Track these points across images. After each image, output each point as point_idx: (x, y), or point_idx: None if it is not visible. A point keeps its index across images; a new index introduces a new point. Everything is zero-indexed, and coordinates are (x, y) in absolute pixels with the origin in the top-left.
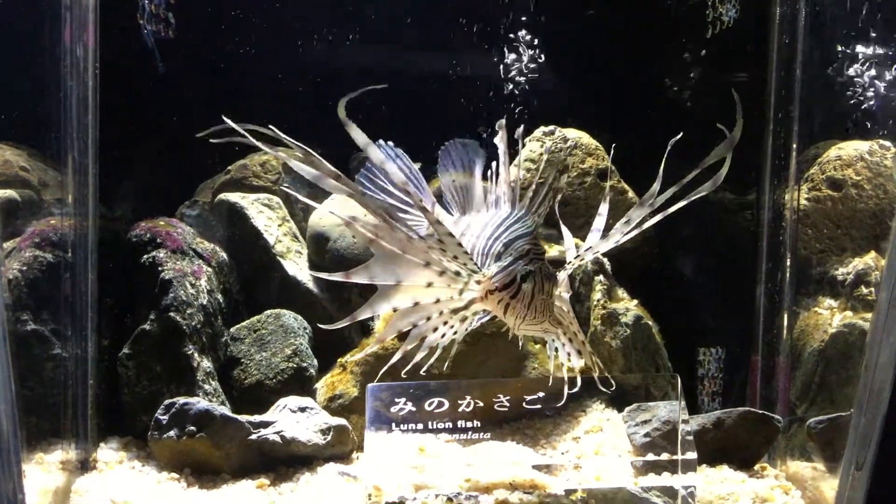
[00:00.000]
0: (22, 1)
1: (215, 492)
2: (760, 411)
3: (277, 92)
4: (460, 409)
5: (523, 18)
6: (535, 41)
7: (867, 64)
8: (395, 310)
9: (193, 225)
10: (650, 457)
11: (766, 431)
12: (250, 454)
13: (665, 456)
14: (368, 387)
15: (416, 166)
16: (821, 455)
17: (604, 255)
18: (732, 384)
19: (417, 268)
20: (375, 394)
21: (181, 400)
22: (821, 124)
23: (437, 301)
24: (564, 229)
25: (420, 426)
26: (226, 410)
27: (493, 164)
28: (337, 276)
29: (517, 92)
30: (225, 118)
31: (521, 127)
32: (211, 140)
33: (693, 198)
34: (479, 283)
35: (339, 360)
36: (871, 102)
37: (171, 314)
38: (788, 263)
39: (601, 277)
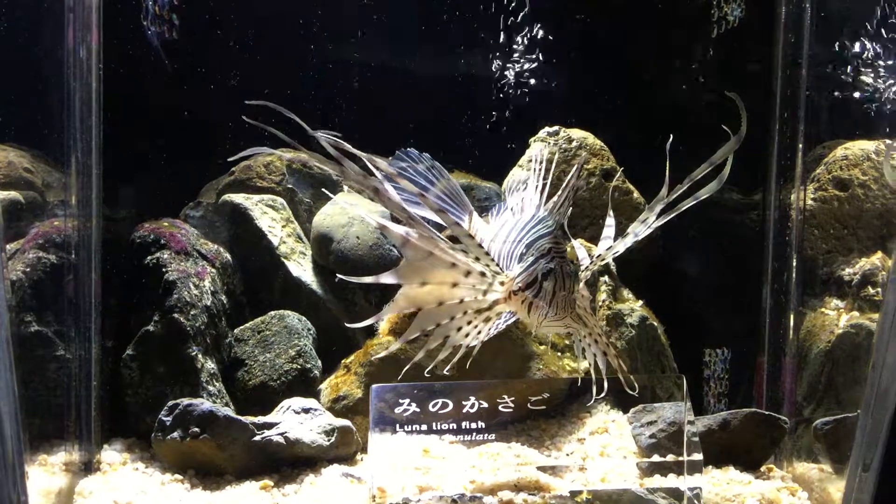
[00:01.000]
0: (25, 2)
1: (219, 493)
2: (767, 412)
3: (283, 91)
4: (465, 411)
5: (528, 18)
6: (540, 41)
7: (873, 63)
8: (420, 310)
9: (197, 226)
10: (656, 458)
11: (772, 432)
12: (254, 455)
13: (671, 457)
14: (372, 388)
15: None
16: (827, 456)
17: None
18: (738, 385)
19: (443, 269)
20: (379, 395)
21: (185, 401)
22: (827, 124)
23: (462, 302)
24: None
25: (424, 427)
26: (230, 412)
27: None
28: (367, 279)
29: (522, 92)
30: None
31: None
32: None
33: (700, 198)
34: (502, 284)
35: (342, 361)
36: (878, 102)
37: (175, 315)
38: (795, 264)
39: (606, 278)
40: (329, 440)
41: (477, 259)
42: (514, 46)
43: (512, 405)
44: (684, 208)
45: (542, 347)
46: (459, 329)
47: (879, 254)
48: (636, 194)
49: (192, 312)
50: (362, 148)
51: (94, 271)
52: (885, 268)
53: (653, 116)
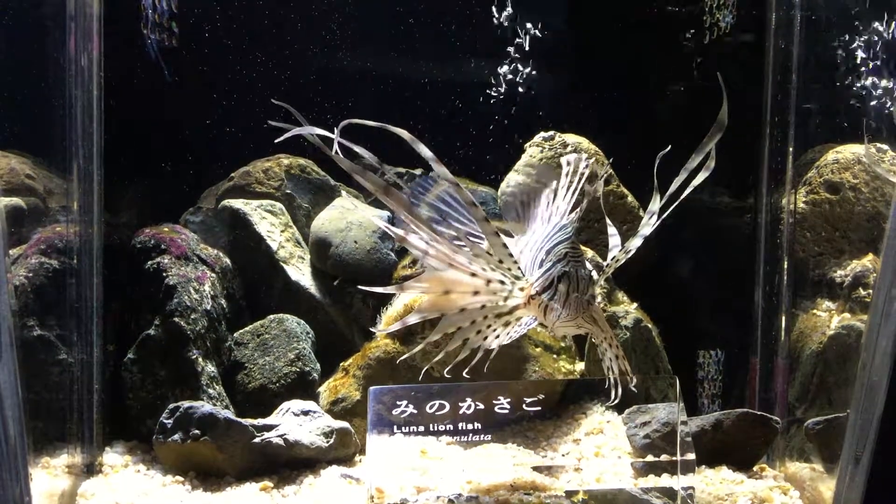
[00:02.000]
0: (27, 11)
1: (219, 494)
2: (759, 413)
3: (282, 97)
4: (461, 412)
5: (522, 23)
6: (533, 47)
7: (863, 67)
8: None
9: (197, 231)
10: (650, 458)
11: (764, 432)
12: (254, 457)
13: (664, 457)
14: (371, 390)
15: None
16: (819, 456)
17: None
18: (731, 386)
19: (465, 278)
20: (377, 397)
21: (185, 404)
22: (817, 128)
23: (483, 307)
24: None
25: (422, 429)
26: (230, 414)
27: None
28: (391, 289)
29: (517, 97)
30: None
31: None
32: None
33: (692, 187)
34: (522, 289)
35: (341, 364)
36: (868, 105)
37: (176, 319)
38: (786, 266)
39: (601, 281)
40: (328, 442)
41: (500, 262)
42: (508, 51)
43: (508, 406)
44: (679, 201)
45: (538, 350)
46: (479, 332)
47: (870, 256)
48: (630, 198)
49: (192, 316)
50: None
51: (96, 276)
52: (875, 270)
53: (645, 121)
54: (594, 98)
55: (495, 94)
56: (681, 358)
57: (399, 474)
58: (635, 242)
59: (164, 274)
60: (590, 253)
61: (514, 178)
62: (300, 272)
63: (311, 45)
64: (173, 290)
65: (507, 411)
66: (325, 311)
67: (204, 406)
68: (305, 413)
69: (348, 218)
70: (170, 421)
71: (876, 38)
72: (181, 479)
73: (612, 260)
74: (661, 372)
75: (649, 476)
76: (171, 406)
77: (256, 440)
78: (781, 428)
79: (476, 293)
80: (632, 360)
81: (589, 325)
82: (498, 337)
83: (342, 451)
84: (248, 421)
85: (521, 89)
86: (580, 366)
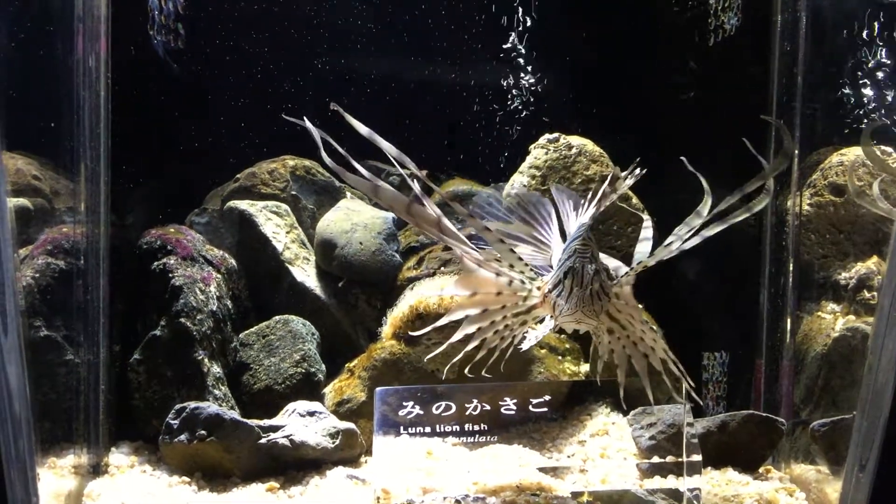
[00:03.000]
0: (35, 11)
1: (226, 495)
2: (764, 414)
3: (288, 100)
4: (467, 413)
5: (528, 27)
6: (539, 49)
7: (868, 70)
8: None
9: (203, 232)
10: (655, 459)
11: (770, 434)
12: (260, 458)
13: (670, 458)
14: (377, 391)
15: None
16: (824, 457)
17: None
18: (737, 388)
19: (492, 277)
20: (383, 398)
21: (192, 404)
22: (822, 130)
23: (503, 307)
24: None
25: (428, 429)
26: (236, 415)
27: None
28: (447, 292)
29: (522, 100)
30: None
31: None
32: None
33: (752, 211)
34: (538, 289)
35: (346, 365)
36: (873, 108)
37: (182, 320)
38: (791, 268)
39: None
40: (334, 443)
41: (511, 266)
42: (515, 54)
43: (514, 407)
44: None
45: (543, 351)
46: (496, 332)
47: (875, 258)
48: (635, 199)
49: (198, 317)
50: (365, 154)
51: (103, 277)
52: (880, 272)
53: (650, 123)
54: (599, 100)
55: (500, 96)
56: (686, 360)
57: (405, 475)
58: (667, 253)
59: (170, 275)
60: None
61: (518, 180)
62: (305, 273)
63: (317, 46)
64: (179, 290)
65: (513, 412)
66: (330, 313)
67: (210, 406)
68: (311, 414)
69: (353, 219)
70: (176, 421)
71: (881, 42)
72: (187, 479)
73: (638, 265)
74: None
75: (655, 477)
76: (178, 406)
77: (262, 441)
78: (787, 429)
79: (499, 293)
80: None
81: (591, 320)
82: (514, 336)
83: (348, 451)
84: (254, 422)
85: (526, 91)
86: (585, 367)
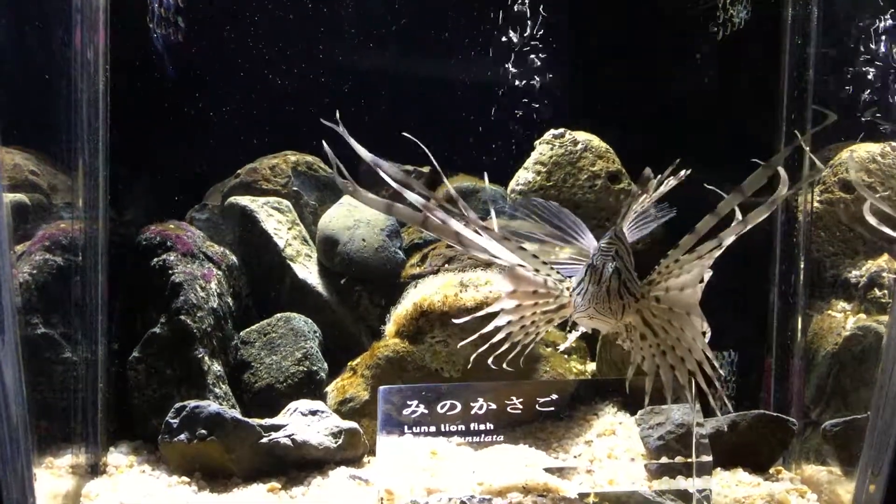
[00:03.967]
0: (32, 3)
1: (226, 495)
2: (775, 414)
3: (289, 95)
4: (473, 412)
5: (533, 21)
6: (545, 44)
7: (880, 65)
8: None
9: (203, 228)
10: (664, 460)
11: (780, 434)
12: (261, 458)
13: (679, 459)
14: (380, 390)
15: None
16: (836, 458)
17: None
18: (746, 387)
19: (532, 275)
20: (387, 397)
21: (192, 403)
22: (833, 126)
23: (536, 304)
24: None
25: (432, 429)
26: (237, 414)
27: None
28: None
29: (529, 95)
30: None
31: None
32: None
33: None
34: (567, 289)
35: (349, 363)
36: (885, 103)
37: (182, 317)
38: (802, 266)
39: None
40: (336, 442)
41: (537, 270)
42: (521, 49)
43: (520, 407)
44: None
45: (549, 350)
46: (522, 327)
47: (885, 256)
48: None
49: (198, 314)
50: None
51: (101, 273)
52: (891, 270)
53: (658, 118)
54: (605, 95)
55: (505, 92)
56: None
57: (409, 475)
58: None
59: (170, 271)
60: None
61: (523, 176)
62: (307, 270)
63: (318, 41)
64: (179, 287)
65: (519, 411)
66: (332, 310)
67: (211, 405)
68: (313, 413)
69: (356, 216)
70: (176, 420)
71: (892, 34)
72: (187, 479)
73: (662, 266)
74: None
75: (663, 478)
76: (178, 405)
77: (264, 440)
78: (797, 430)
79: (535, 291)
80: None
81: (605, 318)
82: (538, 333)
83: (351, 451)
84: (255, 421)
85: (532, 85)
86: (591, 366)
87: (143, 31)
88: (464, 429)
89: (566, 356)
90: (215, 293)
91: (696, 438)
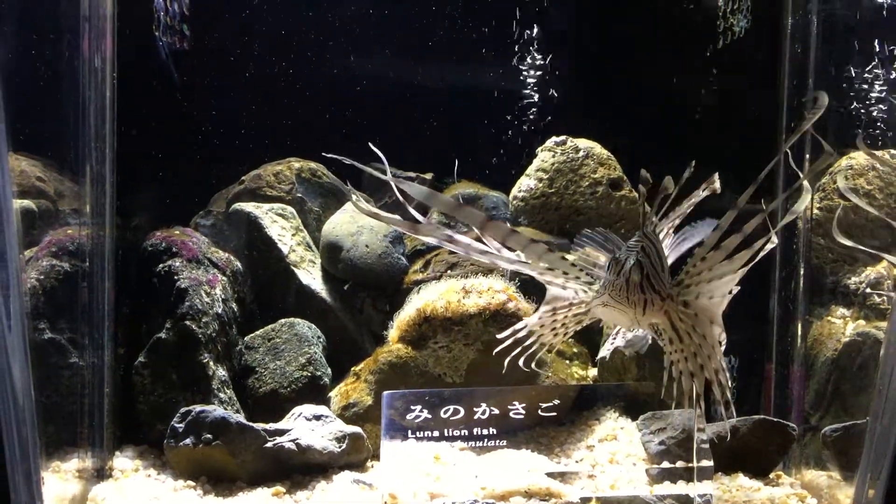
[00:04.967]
0: (41, 11)
1: (231, 499)
2: (775, 419)
3: (295, 103)
4: (476, 417)
5: (537, 30)
6: (546, 53)
7: (880, 73)
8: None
9: (208, 234)
10: (665, 465)
11: (780, 439)
12: (266, 462)
13: (680, 464)
14: (384, 394)
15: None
16: (836, 463)
17: None
18: (747, 392)
19: (563, 295)
20: (390, 402)
21: (197, 408)
22: (833, 134)
23: (568, 308)
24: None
25: (436, 434)
26: (241, 418)
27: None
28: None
29: (530, 103)
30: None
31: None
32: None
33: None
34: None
35: (352, 368)
36: (885, 111)
37: (187, 323)
38: (802, 272)
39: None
40: (340, 447)
41: (565, 273)
42: (523, 57)
43: (523, 412)
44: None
45: (551, 355)
46: (553, 329)
47: (884, 262)
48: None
49: (203, 320)
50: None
51: (108, 279)
52: (890, 276)
53: (659, 125)
54: (607, 103)
55: (508, 99)
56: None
57: (412, 480)
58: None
59: (176, 277)
60: None
61: (525, 183)
62: (311, 276)
63: (323, 49)
64: (184, 293)
65: (521, 417)
66: (335, 316)
67: (216, 410)
68: (317, 418)
69: (359, 222)
70: (181, 425)
71: (891, 43)
72: (192, 483)
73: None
74: None
75: (665, 483)
76: (183, 410)
77: (268, 445)
78: (797, 435)
79: (570, 304)
80: (645, 367)
81: (621, 306)
82: (566, 334)
83: (354, 456)
84: (259, 425)
85: (534, 94)
86: (593, 371)
87: (149, 40)
88: (467, 433)
89: (567, 362)
90: (220, 299)
91: (696, 443)
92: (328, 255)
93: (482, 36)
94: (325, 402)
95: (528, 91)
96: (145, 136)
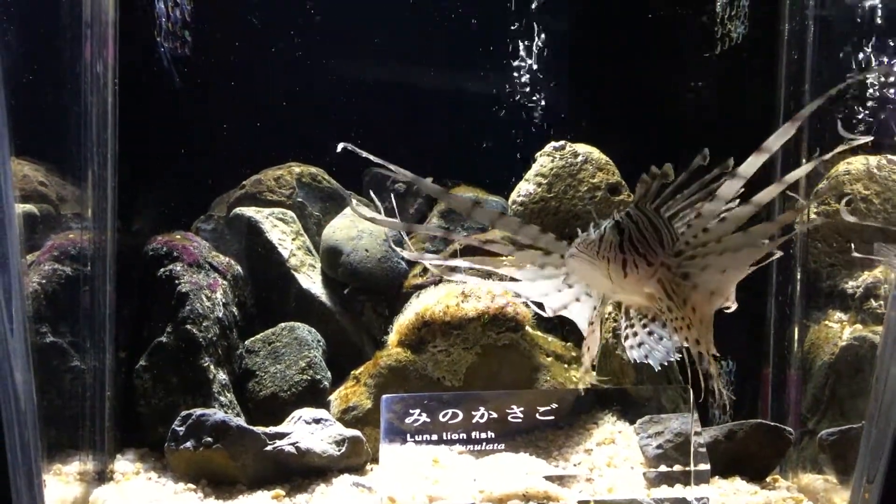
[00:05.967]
0: (43, 17)
1: (231, 502)
2: (772, 423)
3: (294, 108)
4: (474, 421)
5: (535, 35)
6: (545, 57)
7: (876, 78)
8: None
9: (209, 239)
10: (663, 468)
11: (778, 443)
12: (266, 465)
13: (678, 467)
14: (383, 398)
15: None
16: (832, 467)
17: None
18: (744, 397)
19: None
20: (389, 405)
21: (198, 411)
22: (830, 139)
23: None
24: None
25: (434, 437)
26: (242, 422)
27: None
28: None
29: (529, 108)
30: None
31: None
32: None
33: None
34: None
35: (352, 372)
36: (881, 116)
37: (188, 327)
38: (799, 277)
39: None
40: (340, 450)
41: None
42: (521, 63)
43: (521, 416)
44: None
45: (549, 359)
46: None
47: (881, 267)
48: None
49: (204, 324)
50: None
51: (109, 283)
52: (887, 281)
53: (657, 131)
54: (605, 108)
55: (507, 104)
56: (693, 368)
57: (411, 483)
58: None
59: (177, 281)
60: None
61: (525, 188)
62: (311, 280)
63: (324, 54)
64: (185, 297)
65: (520, 420)
66: (335, 320)
67: (216, 413)
68: (317, 421)
69: (359, 226)
70: (182, 428)
71: (889, 50)
72: (193, 486)
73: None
74: (673, 382)
75: (662, 486)
76: (184, 413)
77: (268, 448)
78: (794, 439)
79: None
80: (643, 371)
81: (587, 258)
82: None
83: (354, 459)
84: (259, 429)
85: (533, 99)
86: (591, 376)
87: (150, 45)
88: (465, 437)
89: (565, 366)
90: (221, 303)
91: (694, 447)
92: (328, 260)
93: (483, 41)
94: (325, 405)
95: (527, 96)
96: (147, 140)
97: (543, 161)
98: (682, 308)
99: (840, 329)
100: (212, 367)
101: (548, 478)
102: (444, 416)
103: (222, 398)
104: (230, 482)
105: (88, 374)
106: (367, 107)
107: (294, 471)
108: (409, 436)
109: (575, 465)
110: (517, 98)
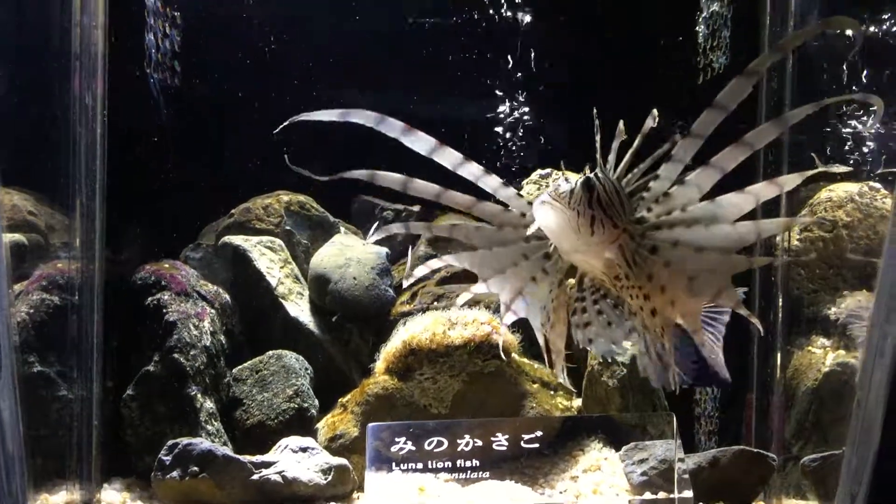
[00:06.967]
0: (33, 50)
1: None
2: (755, 450)
3: (284, 135)
4: (460, 449)
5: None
6: (531, 85)
7: (855, 105)
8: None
9: (197, 267)
10: (647, 495)
11: (761, 470)
12: (252, 494)
13: (662, 494)
14: (369, 426)
15: None
16: (815, 493)
17: None
18: (728, 423)
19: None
20: (376, 433)
21: (184, 440)
22: (810, 167)
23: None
24: None
25: (420, 465)
26: (228, 451)
27: None
28: None
29: (515, 135)
30: None
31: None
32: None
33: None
34: None
35: (339, 400)
36: (860, 145)
37: (175, 356)
38: (781, 303)
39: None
40: (326, 479)
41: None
42: (508, 90)
43: (506, 443)
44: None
45: (535, 386)
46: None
47: (865, 293)
48: None
49: (191, 353)
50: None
51: (97, 312)
52: (870, 307)
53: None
54: (591, 136)
55: (496, 131)
56: (678, 395)
57: None
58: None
59: (164, 310)
60: None
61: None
62: (299, 308)
63: (312, 84)
64: (173, 326)
65: (504, 448)
66: (323, 348)
67: (203, 442)
68: (304, 450)
69: (347, 254)
70: (168, 457)
71: (866, 81)
72: None
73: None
74: (658, 409)
75: None
76: (170, 442)
77: (255, 477)
78: (777, 465)
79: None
80: (629, 398)
81: (557, 206)
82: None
83: (340, 488)
84: (246, 458)
85: (521, 127)
86: (577, 402)
87: (140, 76)
88: (451, 465)
89: (552, 392)
90: (208, 331)
91: (677, 474)
92: (316, 288)
93: (473, 67)
94: (313, 433)
95: (515, 123)
96: (135, 170)
97: (530, 189)
98: (644, 281)
99: (823, 355)
100: (199, 395)
101: None
102: (429, 444)
103: (209, 427)
104: None
105: (76, 403)
106: (361, 134)
107: (280, 500)
108: (394, 464)
109: (561, 493)
110: (504, 126)
